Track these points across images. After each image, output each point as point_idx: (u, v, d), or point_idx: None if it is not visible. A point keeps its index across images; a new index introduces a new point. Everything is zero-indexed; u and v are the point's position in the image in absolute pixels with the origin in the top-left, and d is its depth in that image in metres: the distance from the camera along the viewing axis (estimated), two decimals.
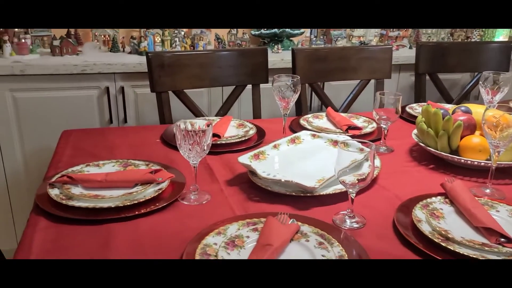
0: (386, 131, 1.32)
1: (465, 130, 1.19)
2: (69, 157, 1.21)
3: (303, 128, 1.46)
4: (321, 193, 1.00)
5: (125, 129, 1.48)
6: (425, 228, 0.84)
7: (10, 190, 1.89)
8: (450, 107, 1.56)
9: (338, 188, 1.01)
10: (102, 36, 2.18)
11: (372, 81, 1.97)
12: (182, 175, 1.08)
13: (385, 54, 1.95)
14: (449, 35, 2.66)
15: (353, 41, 2.49)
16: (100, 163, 1.11)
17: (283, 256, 0.77)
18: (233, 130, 1.44)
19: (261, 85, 1.81)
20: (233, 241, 0.79)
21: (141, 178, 1.00)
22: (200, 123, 0.98)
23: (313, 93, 2.29)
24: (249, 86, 1.80)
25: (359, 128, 1.45)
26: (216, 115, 1.77)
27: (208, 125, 0.96)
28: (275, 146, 1.21)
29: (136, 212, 0.90)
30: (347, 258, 0.75)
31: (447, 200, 0.96)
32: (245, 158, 1.10)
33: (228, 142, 1.33)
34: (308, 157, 1.19)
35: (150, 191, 0.98)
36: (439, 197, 0.97)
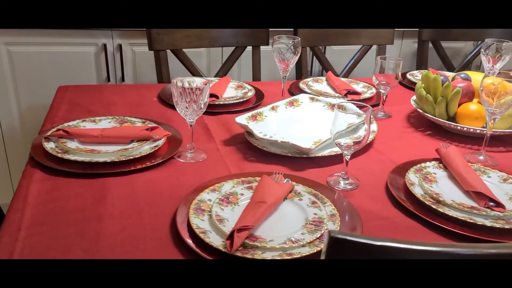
0: (385, 97, 1.32)
1: (463, 97, 1.18)
2: (65, 112, 1.21)
3: (302, 91, 1.45)
4: (317, 155, 1.01)
5: (122, 86, 1.47)
6: (417, 191, 0.85)
7: (6, 146, 1.89)
8: (450, 74, 1.55)
9: (334, 150, 1.02)
10: None
11: (374, 47, 1.94)
12: (178, 133, 1.08)
13: None
14: None
15: None
16: (96, 119, 1.10)
17: (276, 214, 0.78)
18: (231, 91, 1.43)
19: (261, 47, 1.78)
20: (227, 197, 0.80)
21: (137, 135, 1.01)
22: (197, 81, 0.97)
23: (314, 57, 2.26)
24: (249, 48, 1.77)
25: (358, 93, 1.44)
26: (215, 76, 1.75)
27: (205, 84, 0.95)
28: (273, 108, 1.20)
29: (132, 168, 0.91)
30: (338, 217, 0.76)
31: (441, 165, 0.96)
32: (242, 119, 1.10)
33: (226, 103, 1.32)
34: (306, 120, 1.19)
35: (146, 148, 0.98)
36: (433, 162, 0.97)
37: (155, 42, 1.60)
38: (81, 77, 1.88)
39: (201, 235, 0.69)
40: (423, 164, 0.96)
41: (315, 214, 0.77)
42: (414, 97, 1.32)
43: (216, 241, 0.68)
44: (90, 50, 1.86)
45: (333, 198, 0.83)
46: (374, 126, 1.15)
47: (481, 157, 1.04)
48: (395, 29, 1.94)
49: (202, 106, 0.95)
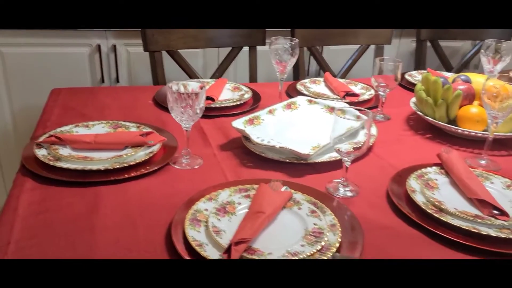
0: (383, 99, 1.30)
1: (464, 99, 1.16)
2: (57, 117, 1.18)
3: (300, 93, 1.43)
4: (316, 161, 0.98)
5: (117, 89, 1.45)
6: (419, 199, 0.83)
7: None
8: (450, 75, 1.53)
9: (333, 156, 1.00)
10: None
11: (372, 46, 1.92)
12: (174, 138, 1.05)
13: None
14: None
15: None
16: (89, 124, 1.08)
17: (275, 224, 0.76)
18: (228, 93, 1.40)
19: (258, 47, 1.76)
20: (224, 207, 0.78)
21: (132, 141, 0.98)
22: (193, 85, 0.95)
23: (311, 58, 2.23)
24: (246, 49, 1.74)
25: (356, 95, 1.42)
26: (211, 78, 1.72)
27: (201, 88, 0.93)
28: (270, 111, 1.18)
29: (126, 176, 0.88)
30: (339, 227, 0.74)
31: (442, 170, 0.94)
32: (239, 123, 1.08)
33: (223, 105, 1.29)
34: (304, 123, 1.16)
35: (140, 154, 0.95)
36: (434, 168, 0.95)
37: (150, 43, 1.58)
38: (75, 78, 1.85)
39: (197, 248, 0.66)
40: (424, 170, 0.94)
41: (314, 224, 0.74)
42: (413, 99, 1.30)
43: (213, 254, 0.66)
44: (84, 51, 1.83)
45: (333, 207, 0.80)
46: (373, 129, 1.13)
47: (483, 162, 1.02)
48: (393, 29, 1.92)
49: (198, 111, 0.93)
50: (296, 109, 1.24)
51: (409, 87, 1.54)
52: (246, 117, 1.11)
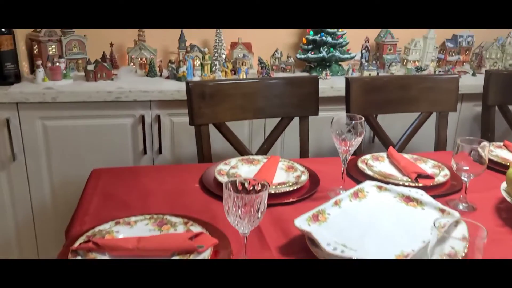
0: (467, 185, 1.11)
1: None
2: (96, 207, 1.06)
3: (362, 173, 1.27)
4: None
5: (160, 169, 1.33)
6: None
7: (36, 223, 1.77)
8: None
9: None
10: (139, 59, 2.06)
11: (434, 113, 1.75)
12: (226, 238, 0.90)
13: (451, 84, 1.73)
14: None
15: (408, 66, 2.27)
16: (131, 220, 0.94)
17: None
18: (282, 175, 1.26)
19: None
20: None
21: (180, 247, 0.83)
22: (251, 180, 0.81)
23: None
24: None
25: (430, 177, 1.24)
26: (259, 150, 1.60)
27: (263, 187, 0.79)
28: (336, 203, 1.02)
29: None
30: None
31: None
32: (302, 221, 0.92)
33: (278, 191, 1.14)
34: (377, 218, 0.99)
35: None
36: None
37: (196, 116, 1.47)
38: (117, 149, 1.77)
39: None
40: None
41: None
42: (504, 185, 1.10)
43: None
44: (127, 122, 1.76)
45: None
46: (463, 229, 0.94)
47: None
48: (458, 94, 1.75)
49: (260, 215, 0.78)
50: (365, 198, 1.07)
51: (491, 165, 1.34)
52: (310, 213, 0.95)
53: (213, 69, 2.04)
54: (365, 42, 2.29)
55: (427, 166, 1.33)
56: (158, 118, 1.77)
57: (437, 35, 2.29)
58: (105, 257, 0.81)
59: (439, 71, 2.28)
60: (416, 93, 1.72)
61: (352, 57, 2.18)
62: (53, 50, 1.89)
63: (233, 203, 0.76)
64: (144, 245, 0.83)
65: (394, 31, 2.27)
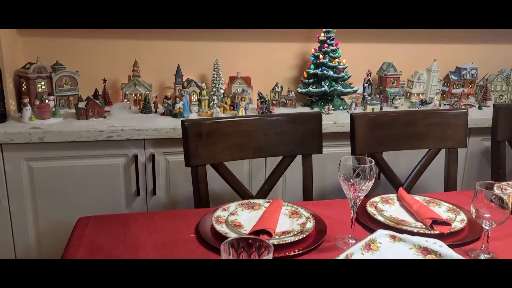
0: (489, 233, 1.01)
1: None
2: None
3: (372, 218, 1.17)
4: None
5: (152, 216, 1.23)
6: None
7: None
8: None
9: None
10: (133, 95, 1.98)
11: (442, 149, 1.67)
12: None
13: (459, 119, 1.66)
14: None
15: (412, 100, 2.20)
16: None
17: None
18: (285, 221, 1.16)
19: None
20: None
21: None
22: (254, 237, 0.71)
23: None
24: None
25: (447, 224, 1.13)
26: (259, 191, 1.50)
27: (267, 249, 0.69)
28: (347, 257, 0.92)
29: None
30: None
31: None
32: None
33: (282, 242, 1.04)
34: None
35: None
36: None
37: (193, 157, 1.38)
38: (108, 191, 1.67)
39: None
40: None
41: None
42: None
43: None
44: (119, 162, 1.67)
45: None
46: None
47: None
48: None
49: None
50: (378, 251, 0.97)
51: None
52: None
53: (211, 104, 1.96)
54: (367, 75, 2.23)
55: (442, 210, 1.24)
56: (152, 157, 1.68)
57: (440, 68, 2.24)
58: None
59: (444, 104, 2.21)
60: (424, 129, 1.64)
61: (355, 91, 2.11)
62: (43, 87, 1.81)
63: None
64: None
65: (397, 64, 2.21)
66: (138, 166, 1.68)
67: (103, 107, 1.76)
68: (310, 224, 1.13)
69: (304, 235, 1.07)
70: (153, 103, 1.93)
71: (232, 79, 2.13)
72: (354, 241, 1.06)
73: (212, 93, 1.99)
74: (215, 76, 2.01)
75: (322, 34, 2.08)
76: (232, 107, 1.99)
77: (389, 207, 1.26)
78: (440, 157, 1.65)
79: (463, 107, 2.10)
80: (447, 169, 1.67)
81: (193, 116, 1.87)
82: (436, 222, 1.14)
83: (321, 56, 2.06)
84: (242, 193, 1.47)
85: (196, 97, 2.00)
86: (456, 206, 1.25)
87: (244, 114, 1.92)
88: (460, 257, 0.92)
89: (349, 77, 2.12)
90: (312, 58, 2.11)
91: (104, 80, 1.97)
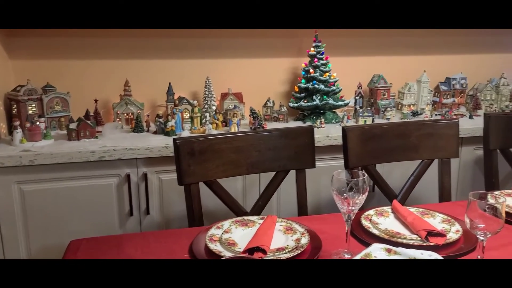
0: (484, 243, 1.01)
1: None
2: None
3: (367, 231, 1.17)
4: None
5: (147, 236, 1.21)
6: None
7: None
8: None
9: None
10: (125, 115, 1.98)
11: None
12: None
13: (450, 129, 1.66)
14: None
15: (404, 111, 2.21)
16: None
17: None
18: (280, 238, 1.15)
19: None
20: None
21: None
22: (247, 257, 0.70)
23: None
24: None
25: (442, 235, 1.13)
26: (254, 207, 1.49)
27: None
28: None
29: None
30: None
31: None
32: None
33: (276, 258, 1.03)
34: None
35: None
36: None
37: (185, 175, 1.37)
38: (101, 212, 1.65)
39: None
40: None
41: None
42: None
43: None
44: (111, 182, 1.65)
45: None
46: None
47: None
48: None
49: None
50: None
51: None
52: None
53: (203, 121, 1.96)
54: (358, 88, 2.25)
55: (436, 221, 1.23)
56: (145, 176, 1.67)
57: (430, 79, 2.26)
58: None
59: (436, 115, 2.23)
60: (416, 140, 1.64)
61: (346, 104, 2.12)
62: (33, 109, 1.80)
63: None
64: None
65: (387, 76, 2.23)
66: (131, 186, 1.66)
67: (94, 127, 1.75)
68: (305, 240, 1.12)
69: (299, 251, 1.06)
70: (145, 122, 1.92)
71: (223, 96, 2.14)
72: (349, 256, 1.05)
73: (204, 110, 1.99)
74: (207, 93, 2.02)
75: (312, 48, 2.10)
76: (224, 124, 1.99)
77: (383, 220, 1.26)
78: (434, 168, 1.65)
79: (454, 117, 2.11)
80: (441, 179, 1.67)
81: (186, 133, 1.87)
82: (431, 233, 1.14)
83: (311, 70, 2.08)
84: (236, 210, 1.45)
85: (188, 115, 2.00)
86: (450, 216, 1.25)
87: (236, 130, 1.92)
88: None
89: (340, 90, 2.14)
90: (303, 73, 2.12)
91: (96, 100, 1.96)
